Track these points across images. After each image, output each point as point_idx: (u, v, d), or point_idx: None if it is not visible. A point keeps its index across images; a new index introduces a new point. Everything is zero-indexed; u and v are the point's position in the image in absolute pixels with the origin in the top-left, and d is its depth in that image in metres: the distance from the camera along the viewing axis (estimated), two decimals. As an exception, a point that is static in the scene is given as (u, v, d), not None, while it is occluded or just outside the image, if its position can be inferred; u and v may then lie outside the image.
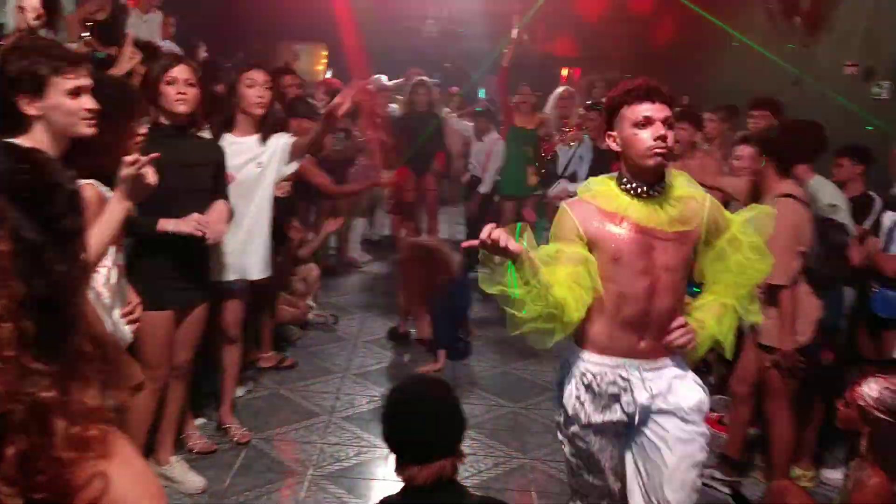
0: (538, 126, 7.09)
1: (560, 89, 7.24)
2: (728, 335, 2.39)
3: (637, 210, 2.30)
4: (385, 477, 3.50)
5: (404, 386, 2.15)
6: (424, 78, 7.75)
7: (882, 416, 2.41)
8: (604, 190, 2.36)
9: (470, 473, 3.72)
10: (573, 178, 6.43)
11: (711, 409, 4.19)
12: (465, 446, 3.79)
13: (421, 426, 1.94)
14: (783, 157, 3.48)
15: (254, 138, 3.73)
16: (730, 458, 3.74)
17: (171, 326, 3.26)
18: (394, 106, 8.32)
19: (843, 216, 3.83)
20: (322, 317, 5.73)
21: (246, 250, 3.73)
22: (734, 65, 9.03)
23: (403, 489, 1.96)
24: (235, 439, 3.88)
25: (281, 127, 3.97)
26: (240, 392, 4.38)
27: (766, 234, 2.41)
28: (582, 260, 2.27)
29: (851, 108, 6.01)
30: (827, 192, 3.90)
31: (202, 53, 7.14)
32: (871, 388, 2.46)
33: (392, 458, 1.99)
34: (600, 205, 2.33)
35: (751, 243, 2.38)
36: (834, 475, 3.80)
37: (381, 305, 6.24)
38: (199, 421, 3.97)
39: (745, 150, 4.09)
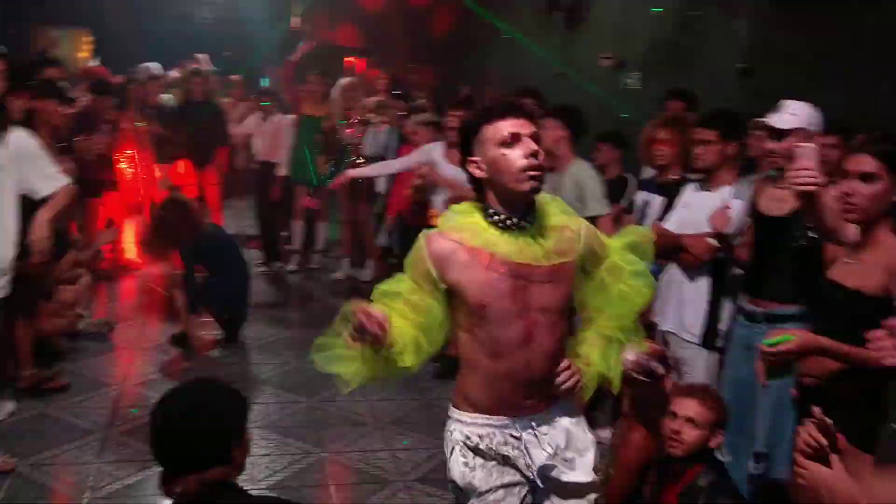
0: (328, 115, 7.05)
1: (344, 80, 7.23)
2: (615, 369, 2.17)
3: (507, 244, 1.99)
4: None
5: (170, 392, 1.97)
6: (200, 66, 7.40)
7: (639, 377, 2.66)
8: (468, 223, 2.03)
9: (265, 475, 3.62)
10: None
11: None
12: (259, 447, 3.74)
13: (180, 434, 1.79)
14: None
15: None
16: None
17: None
18: (168, 96, 7.87)
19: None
20: (95, 325, 5.28)
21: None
22: (505, 57, 9.52)
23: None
24: (-4, 470, 3.48)
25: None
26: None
27: (649, 257, 2.23)
28: (426, 311, 2.00)
29: (604, 96, 6.58)
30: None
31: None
32: (629, 353, 2.71)
33: None
34: (464, 240, 2.01)
35: (633, 270, 2.16)
36: (604, 434, 4.14)
37: (160, 310, 5.89)
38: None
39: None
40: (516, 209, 2.02)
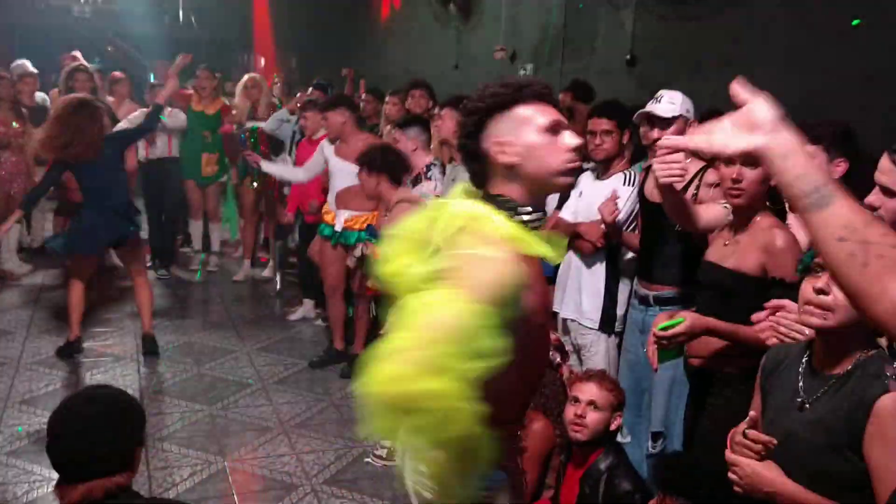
0: (219, 111, 6.83)
1: (246, 77, 6.97)
2: None
3: (545, 249, 1.62)
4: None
5: (68, 400, 1.94)
6: (83, 63, 7.01)
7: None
8: (514, 231, 1.59)
9: (164, 488, 3.48)
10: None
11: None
12: (158, 459, 3.59)
13: (85, 441, 1.77)
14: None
15: None
16: None
17: None
18: (41, 95, 7.43)
19: None
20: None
21: None
22: (401, 49, 9.49)
23: None
24: None
25: None
26: None
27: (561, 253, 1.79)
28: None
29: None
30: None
31: None
32: None
33: None
34: (521, 249, 1.56)
35: None
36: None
37: (47, 320, 5.55)
38: None
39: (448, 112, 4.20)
40: (539, 205, 1.71)
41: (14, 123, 6.48)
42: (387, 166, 4.07)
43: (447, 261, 1.47)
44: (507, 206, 1.63)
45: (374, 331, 5.14)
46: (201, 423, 4.16)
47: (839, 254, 1.10)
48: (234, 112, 6.79)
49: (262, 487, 3.52)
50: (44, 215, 7.49)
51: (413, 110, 5.26)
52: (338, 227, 4.81)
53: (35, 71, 7.51)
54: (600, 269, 3.51)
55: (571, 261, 3.59)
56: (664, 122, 3.09)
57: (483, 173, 1.71)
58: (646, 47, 5.43)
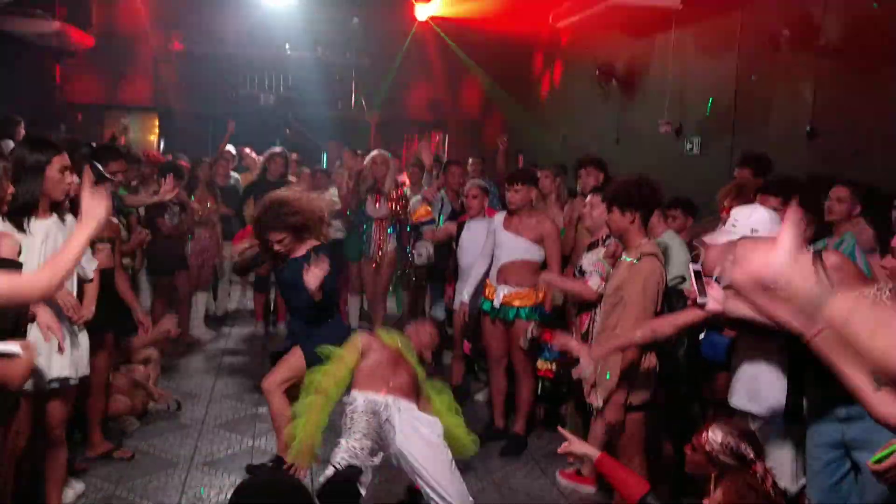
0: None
1: (374, 153, 7.20)
2: None
3: None
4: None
5: (250, 480, 2.03)
6: (280, 149, 7.69)
7: (727, 460, 2.52)
8: None
9: None
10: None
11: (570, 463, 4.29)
12: None
13: None
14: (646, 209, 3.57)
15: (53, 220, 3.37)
16: None
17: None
18: (235, 175, 8.17)
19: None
20: (163, 403, 5.34)
21: (74, 343, 3.42)
22: (563, 127, 9.58)
23: None
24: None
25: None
26: (69, 498, 3.96)
27: None
28: None
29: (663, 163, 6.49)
30: (676, 249, 4.11)
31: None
32: (715, 434, 2.57)
33: None
34: None
35: None
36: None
37: (229, 385, 5.93)
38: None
39: (595, 199, 4.33)
40: None
41: (209, 203, 7.15)
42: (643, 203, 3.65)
43: None
44: None
45: (534, 412, 5.06)
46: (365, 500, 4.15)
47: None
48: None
49: None
50: (231, 286, 8.13)
51: (584, 187, 5.21)
52: (496, 303, 4.83)
53: (233, 152, 8.36)
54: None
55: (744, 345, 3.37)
56: None
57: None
58: (827, 117, 5.15)
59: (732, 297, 2.83)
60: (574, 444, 2.90)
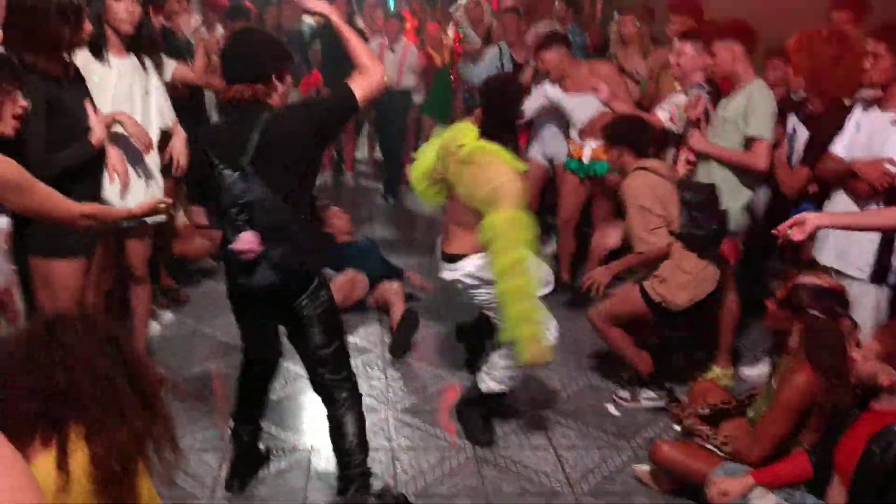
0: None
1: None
2: None
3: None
4: (313, 404, 3.22)
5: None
6: None
7: (816, 312, 2.44)
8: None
9: (410, 474, 3.13)
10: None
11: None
12: (402, 436, 3.33)
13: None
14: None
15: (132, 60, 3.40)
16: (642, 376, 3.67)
17: (81, 276, 2.95)
18: (308, 20, 7.69)
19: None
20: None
21: (149, 184, 3.47)
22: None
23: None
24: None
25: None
26: (155, 330, 4.22)
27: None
28: None
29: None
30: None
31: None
32: (805, 285, 2.48)
33: None
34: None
35: None
36: (752, 372, 3.93)
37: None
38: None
39: (685, 47, 3.92)
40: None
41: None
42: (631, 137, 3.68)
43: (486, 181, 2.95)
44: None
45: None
46: (447, 395, 3.78)
47: None
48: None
49: (517, 490, 3.06)
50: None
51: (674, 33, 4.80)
52: (585, 160, 4.72)
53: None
54: (876, 213, 3.07)
55: (838, 203, 3.20)
56: None
57: None
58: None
59: None
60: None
